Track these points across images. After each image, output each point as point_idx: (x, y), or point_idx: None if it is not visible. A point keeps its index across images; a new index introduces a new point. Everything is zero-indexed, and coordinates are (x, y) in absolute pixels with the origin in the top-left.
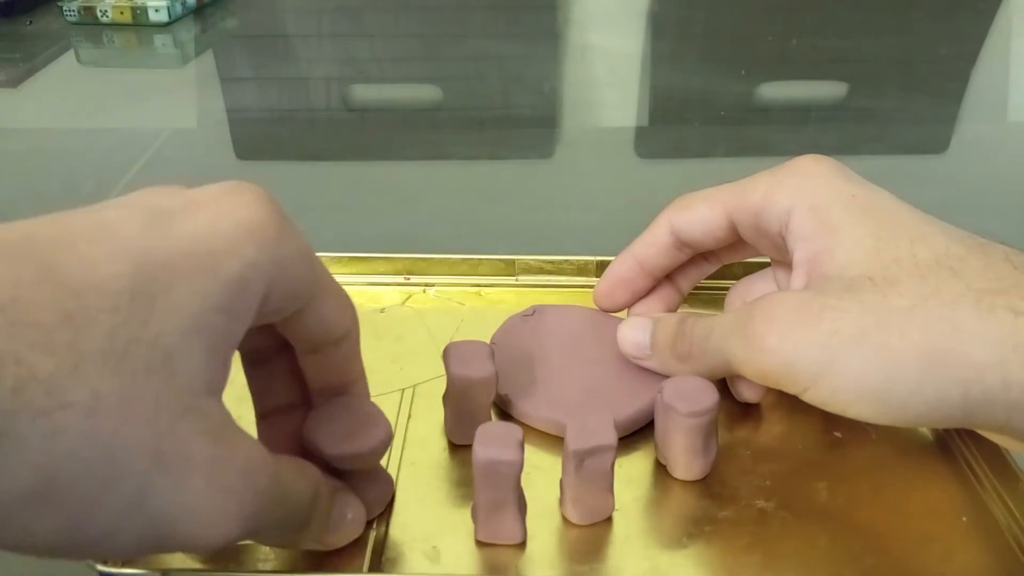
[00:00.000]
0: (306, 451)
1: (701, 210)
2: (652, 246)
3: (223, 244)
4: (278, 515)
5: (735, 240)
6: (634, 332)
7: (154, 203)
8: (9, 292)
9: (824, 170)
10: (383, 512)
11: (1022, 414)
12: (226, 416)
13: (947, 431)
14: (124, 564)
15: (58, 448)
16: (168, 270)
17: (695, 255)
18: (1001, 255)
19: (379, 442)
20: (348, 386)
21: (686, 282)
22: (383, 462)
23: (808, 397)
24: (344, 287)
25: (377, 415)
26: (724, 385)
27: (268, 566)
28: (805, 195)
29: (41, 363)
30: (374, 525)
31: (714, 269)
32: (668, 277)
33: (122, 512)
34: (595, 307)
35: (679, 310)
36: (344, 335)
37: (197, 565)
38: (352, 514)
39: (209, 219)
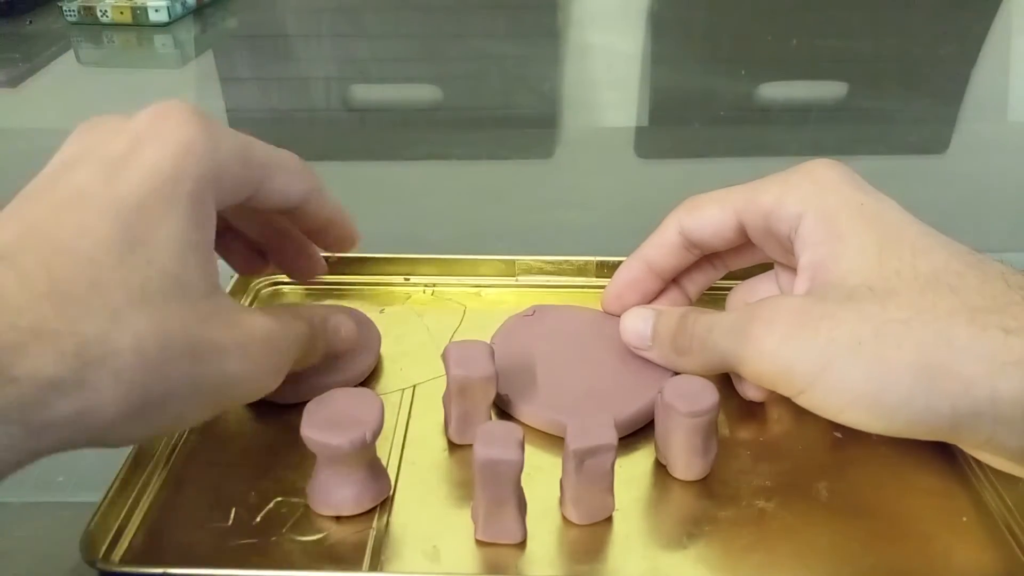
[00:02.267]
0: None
1: (711, 211)
2: (661, 247)
3: (173, 170)
4: (295, 353)
5: (743, 242)
6: (636, 322)
7: (105, 152)
8: (43, 276)
9: (835, 176)
10: (383, 512)
11: (1006, 429)
12: (234, 304)
13: None
14: (124, 563)
15: (128, 377)
16: (143, 211)
17: (702, 258)
18: (998, 273)
19: (354, 440)
20: (328, 226)
21: (694, 287)
22: (384, 460)
23: (802, 400)
24: (344, 287)
25: (369, 416)
26: (725, 384)
27: (270, 566)
28: (816, 201)
29: (87, 327)
30: (374, 524)
31: (721, 275)
32: (676, 281)
33: (188, 397)
34: (595, 307)
35: None
36: (305, 195)
37: (196, 565)
38: (344, 329)
39: (155, 153)
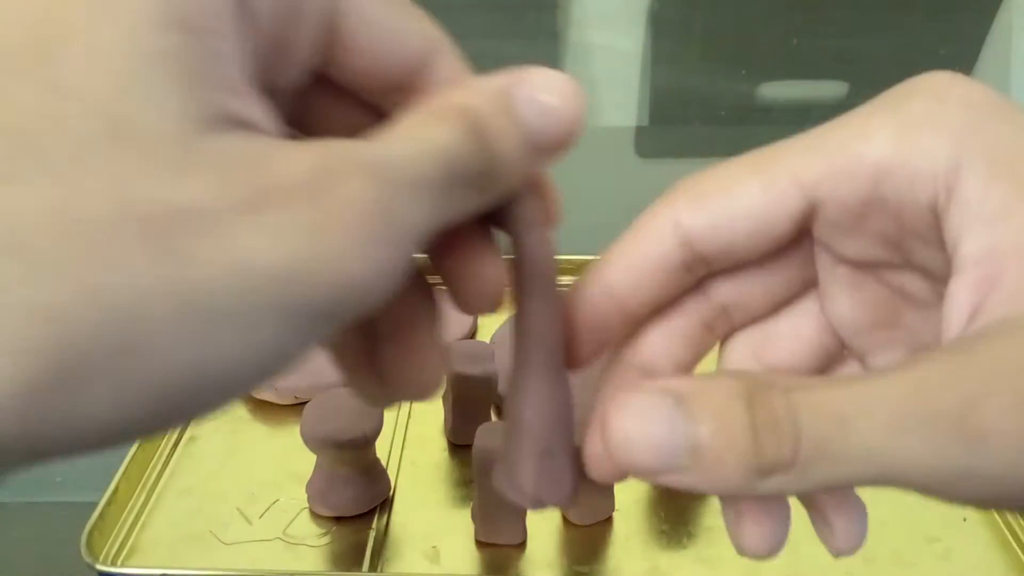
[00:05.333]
0: None
1: (750, 191)
2: (641, 265)
3: None
4: (434, 206)
5: (788, 243)
6: (649, 424)
7: None
8: None
9: (985, 99)
10: (383, 512)
11: None
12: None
13: None
14: (124, 563)
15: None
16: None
17: (705, 277)
18: None
19: (354, 440)
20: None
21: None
22: (384, 460)
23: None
24: None
25: (369, 417)
26: None
27: (270, 566)
28: (977, 139)
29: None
30: (374, 524)
31: (724, 328)
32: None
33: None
34: None
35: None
36: (425, 52)
37: (195, 565)
38: (549, 91)
39: None
